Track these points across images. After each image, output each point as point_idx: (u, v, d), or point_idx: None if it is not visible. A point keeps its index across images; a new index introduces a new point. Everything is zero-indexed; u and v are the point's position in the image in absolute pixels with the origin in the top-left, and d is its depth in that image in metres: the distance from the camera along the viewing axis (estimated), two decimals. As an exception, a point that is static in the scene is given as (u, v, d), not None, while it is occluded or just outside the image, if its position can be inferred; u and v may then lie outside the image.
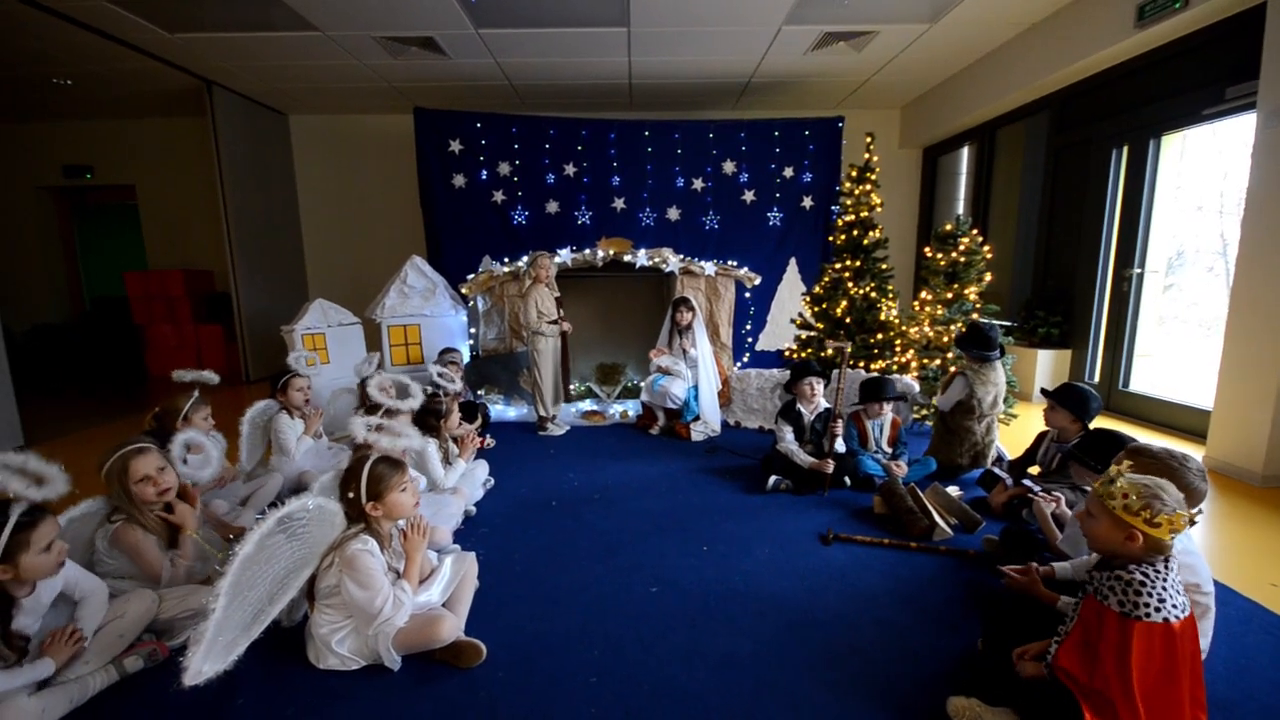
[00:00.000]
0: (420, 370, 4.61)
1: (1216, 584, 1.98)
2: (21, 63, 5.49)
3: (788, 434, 3.52)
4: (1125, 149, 4.81)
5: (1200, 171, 4.75)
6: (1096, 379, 5.12)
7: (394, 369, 4.52)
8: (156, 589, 2.05)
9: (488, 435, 4.32)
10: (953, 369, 3.73)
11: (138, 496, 2.12)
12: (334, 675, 1.86)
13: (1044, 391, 3.07)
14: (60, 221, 8.02)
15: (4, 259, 7.68)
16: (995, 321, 4.31)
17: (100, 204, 8.50)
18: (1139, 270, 4.75)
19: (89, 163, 7.51)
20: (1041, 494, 2.61)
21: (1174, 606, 1.38)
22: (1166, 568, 1.42)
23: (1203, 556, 1.81)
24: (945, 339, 4.42)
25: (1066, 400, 2.91)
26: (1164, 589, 1.38)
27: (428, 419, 3.22)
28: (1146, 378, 4.85)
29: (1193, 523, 1.42)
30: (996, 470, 3.21)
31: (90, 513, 2.16)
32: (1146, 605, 1.36)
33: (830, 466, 3.31)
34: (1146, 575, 1.40)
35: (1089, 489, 2.45)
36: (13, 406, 4.53)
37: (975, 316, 4.39)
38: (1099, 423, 3.01)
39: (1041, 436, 3.11)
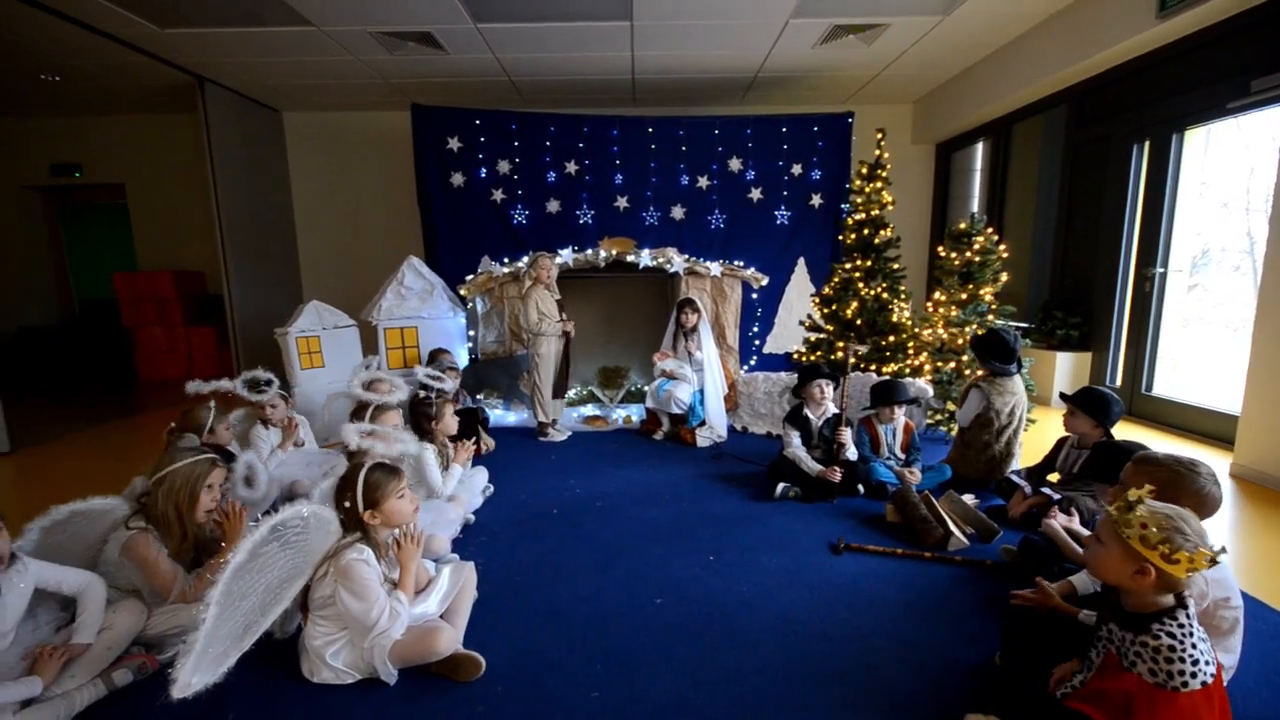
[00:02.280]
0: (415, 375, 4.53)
1: (1246, 597, 1.91)
2: (9, 58, 5.38)
3: (795, 439, 3.46)
4: (1147, 144, 4.70)
5: (1225, 167, 4.63)
6: (1118, 383, 5.00)
7: (390, 373, 4.45)
8: (164, 603, 2.02)
9: (479, 441, 4.17)
10: (969, 379, 3.61)
11: (201, 504, 2.10)
12: (328, 689, 1.82)
13: (1063, 396, 3.00)
14: (48, 221, 7.89)
15: (-10, 260, 7.57)
16: (1013, 324, 4.18)
17: (89, 203, 8.38)
18: (1162, 270, 4.63)
19: (77, 161, 7.38)
20: (1057, 502, 2.55)
21: (1207, 664, 1.27)
22: (1189, 616, 1.31)
23: (1230, 568, 1.73)
24: (960, 341, 4.31)
25: (1087, 405, 2.84)
26: (1194, 647, 1.27)
27: (420, 421, 3.14)
28: (1170, 381, 4.73)
29: (1214, 562, 1.29)
30: (1015, 477, 3.12)
31: (101, 510, 2.11)
32: (1182, 674, 1.25)
33: (837, 475, 3.26)
34: (1174, 636, 1.28)
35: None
36: (-3, 410, 4.41)
37: (992, 319, 4.26)
38: (1119, 429, 2.91)
39: (1061, 442, 3.05)
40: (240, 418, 3.31)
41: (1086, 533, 2.30)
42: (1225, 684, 1.65)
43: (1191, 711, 1.25)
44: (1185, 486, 1.67)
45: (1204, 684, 1.26)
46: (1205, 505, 1.67)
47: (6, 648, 1.71)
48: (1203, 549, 1.29)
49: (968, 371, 4.19)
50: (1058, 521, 2.37)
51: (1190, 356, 4.85)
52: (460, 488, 3.09)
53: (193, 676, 1.46)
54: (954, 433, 3.68)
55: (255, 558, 1.67)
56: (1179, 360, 4.79)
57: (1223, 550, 1.32)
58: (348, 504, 1.90)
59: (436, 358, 4.62)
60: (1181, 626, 1.29)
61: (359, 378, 3.19)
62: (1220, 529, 2.93)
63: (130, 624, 1.90)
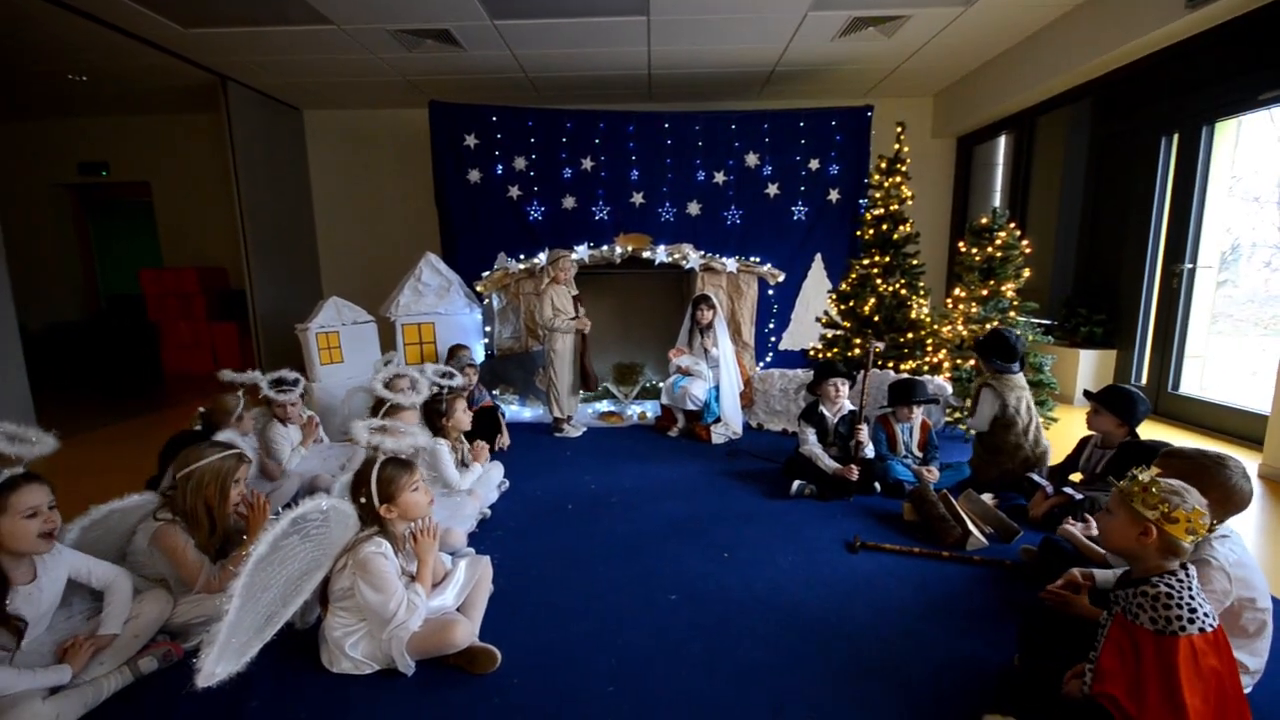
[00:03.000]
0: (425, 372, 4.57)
1: (1275, 601, 1.85)
2: (37, 59, 5.48)
3: (810, 436, 3.44)
4: (1175, 137, 4.59)
5: (1257, 160, 4.50)
6: (1144, 381, 4.90)
7: (407, 369, 4.49)
8: (189, 593, 2.05)
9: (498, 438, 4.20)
10: (976, 383, 3.54)
11: (230, 499, 2.15)
12: (347, 679, 1.86)
13: (1087, 394, 2.92)
14: (76, 219, 8.04)
15: (20, 256, 7.53)
16: (1035, 321, 4.11)
17: (116, 201, 8.53)
18: (1190, 265, 4.52)
19: (105, 159, 7.52)
20: (1079, 502, 2.51)
21: (1205, 615, 1.33)
22: (1188, 575, 1.38)
23: (1259, 569, 1.68)
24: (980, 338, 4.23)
25: (1111, 403, 2.78)
26: (1191, 598, 1.34)
27: (432, 418, 3.17)
28: (1198, 380, 4.63)
29: (1211, 529, 1.38)
30: (1036, 477, 3.05)
31: (135, 506, 2.16)
32: (1179, 618, 1.31)
33: (855, 473, 3.23)
34: (1170, 585, 1.35)
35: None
36: (29, 404, 4.52)
37: (1014, 315, 4.19)
38: (1145, 428, 2.84)
39: (1084, 441, 2.99)
40: (256, 414, 3.31)
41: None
42: (1249, 689, 1.62)
43: (1191, 655, 1.30)
44: (1210, 479, 1.64)
45: (1202, 630, 1.31)
46: (1232, 499, 1.65)
47: (40, 634, 1.76)
48: (1200, 509, 1.36)
49: (977, 379, 4.12)
50: (1076, 529, 2.35)
51: (1219, 355, 4.73)
52: (476, 482, 3.11)
53: (216, 665, 1.49)
54: (972, 432, 3.62)
55: (276, 550, 1.69)
56: (1207, 358, 4.68)
57: (1218, 523, 1.39)
58: (363, 499, 1.92)
59: (455, 354, 4.64)
60: (1180, 581, 1.36)
61: (381, 374, 3.19)
62: (1249, 530, 2.87)
63: (156, 613, 1.94)
